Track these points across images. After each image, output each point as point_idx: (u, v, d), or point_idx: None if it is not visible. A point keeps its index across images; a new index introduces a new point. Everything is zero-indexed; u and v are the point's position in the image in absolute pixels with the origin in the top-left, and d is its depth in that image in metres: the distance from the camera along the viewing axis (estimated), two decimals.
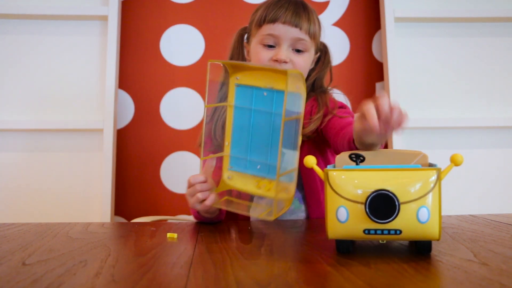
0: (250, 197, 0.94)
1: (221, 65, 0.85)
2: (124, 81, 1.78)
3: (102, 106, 1.75)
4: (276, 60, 1.02)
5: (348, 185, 0.56)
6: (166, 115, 1.78)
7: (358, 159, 0.65)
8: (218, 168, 0.90)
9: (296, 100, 0.77)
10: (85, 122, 1.73)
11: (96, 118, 1.76)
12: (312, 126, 1.05)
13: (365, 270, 0.52)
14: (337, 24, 1.82)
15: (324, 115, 1.06)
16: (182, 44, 1.79)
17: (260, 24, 1.05)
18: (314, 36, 1.06)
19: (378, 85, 1.82)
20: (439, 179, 0.55)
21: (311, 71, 1.14)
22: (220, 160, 0.89)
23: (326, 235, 0.58)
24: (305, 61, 1.06)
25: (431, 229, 0.55)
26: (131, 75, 1.78)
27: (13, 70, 1.77)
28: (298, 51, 1.04)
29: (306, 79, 1.13)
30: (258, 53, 1.05)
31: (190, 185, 0.88)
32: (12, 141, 1.75)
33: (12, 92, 1.76)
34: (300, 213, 1.08)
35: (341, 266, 0.54)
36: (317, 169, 0.61)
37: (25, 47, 1.78)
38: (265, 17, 1.03)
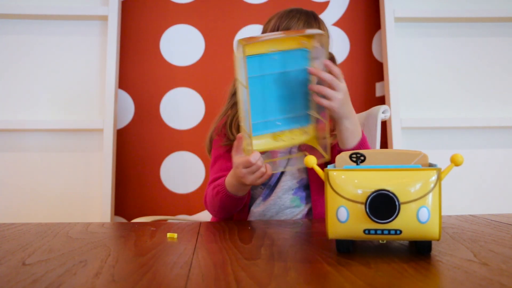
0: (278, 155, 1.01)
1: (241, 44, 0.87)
2: (124, 81, 1.78)
3: (102, 106, 1.76)
4: None
5: (348, 185, 0.56)
6: (166, 115, 1.78)
7: (358, 159, 0.65)
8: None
9: (304, 55, 0.86)
10: (85, 122, 1.73)
11: (96, 118, 1.76)
12: (329, 140, 1.08)
13: (365, 270, 0.52)
14: (337, 24, 1.82)
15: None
16: (182, 44, 1.79)
17: (275, 30, 1.09)
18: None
19: (378, 85, 1.82)
20: (439, 179, 0.55)
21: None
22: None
23: (326, 235, 0.58)
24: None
25: (431, 229, 0.55)
26: (131, 75, 1.78)
27: (13, 70, 1.77)
28: None
29: None
30: None
31: (251, 164, 0.90)
32: (12, 141, 1.75)
33: (11, 92, 1.77)
34: (301, 212, 1.09)
35: (341, 266, 0.54)
36: (318, 169, 0.61)
37: (25, 47, 1.78)
38: (278, 26, 1.08)
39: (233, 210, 1.06)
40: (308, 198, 1.10)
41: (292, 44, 0.84)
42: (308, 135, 0.90)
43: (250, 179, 0.92)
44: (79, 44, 1.79)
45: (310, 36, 0.84)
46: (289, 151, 1.08)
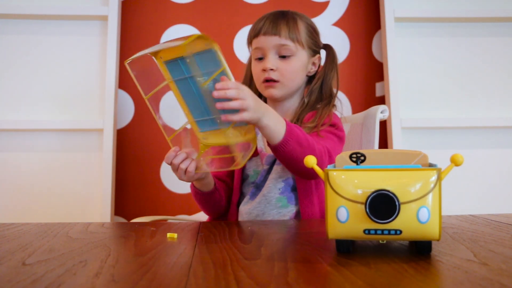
0: (229, 151, 1.00)
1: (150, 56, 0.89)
2: (124, 81, 1.78)
3: (102, 106, 1.76)
4: (264, 70, 1.11)
5: (348, 185, 0.56)
6: (166, 115, 1.77)
7: (358, 159, 0.65)
8: (194, 138, 0.98)
9: (211, 56, 0.83)
10: (85, 122, 1.73)
11: (96, 118, 1.76)
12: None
13: (365, 270, 0.52)
14: (337, 24, 1.82)
15: (314, 126, 1.09)
16: None
17: (250, 42, 1.15)
18: (297, 40, 1.10)
19: (378, 85, 1.82)
20: (439, 179, 0.55)
21: (313, 75, 1.18)
22: (191, 132, 0.98)
23: (326, 235, 0.58)
24: (293, 65, 1.11)
25: (431, 229, 0.55)
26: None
27: (13, 70, 1.77)
28: (284, 57, 1.11)
29: (311, 82, 1.18)
30: (253, 68, 1.16)
31: (168, 163, 0.97)
32: (12, 141, 1.75)
33: (12, 92, 1.77)
34: (289, 214, 1.09)
35: (341, 266, 0.54)
36: (317, 169, 0.61)
37: (25, 47, 1.78)
38: (250, 36, 1.14)
39: (211, 206, 1.11)
40: (296, 200, 1.10)
41: (199, 47, 0.83)
42: (251, 134, 0.89)
43: (176, 175, 0.99)
44: (79, 44, 1.79)
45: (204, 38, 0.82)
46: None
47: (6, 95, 1.76)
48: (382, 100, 1.80)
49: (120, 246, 0.70)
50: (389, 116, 1.72)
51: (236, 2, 1.81)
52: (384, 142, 1.76)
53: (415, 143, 1.80)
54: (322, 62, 1.21)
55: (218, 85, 0.81)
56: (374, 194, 0.54)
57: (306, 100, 1.16)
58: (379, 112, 1.24)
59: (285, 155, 0.92)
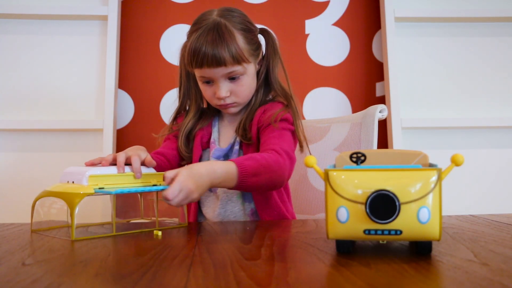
0: None
1: None
2: (124, 81, 1.78)
3: (102, 106, 1.75)
4: (218, 98, 1.06)
5: (348, 185, 0.56)
6: (166, 115, 1.78)
7: (358, 159, 0.65)
8: None
9: None
10: (85, 122, 1.73)
11: (96, 118, 1.76)
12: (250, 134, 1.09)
13: (365, 270, 0.52)
14: (337, 24, 1.82)
15: (265, 125, 1.07)
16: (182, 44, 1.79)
17: (191, 66, 1.06)
18: (242, 59, 1.03)
19: (378, 85, 1.82)
20: (439, 179, 0.55)
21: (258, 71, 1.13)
22: None
23: (326, 235, 0.58)
24: (246, 84, 1.07)
25: (431, 230, 0.55)
26: (131, 75, 1.78)
27: (13, 70, 1.77)
28: (234, 78, 1.05)
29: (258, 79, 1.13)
30: (204, 91, 1.10)
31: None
32: (12, 141, 1.75)
33: (12, 92, 1.76)
34: (247, 210, 1.09)
35: (341, 266, 0.54)
36: (318, 169, 0.61)
37: (25, 47, 1.78)
38: (190, 62, 1.04)
39: None
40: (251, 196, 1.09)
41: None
42: None
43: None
44: (79, 44, 1.79)
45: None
46: None
47: (6, 95, 1.76)
48: (382, 100, 1.80)
49: (120, 246, 0.70)
50: (389, 116, 1.72)
51: (236, 2, 1.81)
52: (384, 142, 1.76)
53: (415, 143, 1.80)
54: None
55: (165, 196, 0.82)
56: (374, 194, 0.54)
57: (254, 99, 1.12)
58: (377, 112, 1.23)
59: (248, 190, 0.98)
